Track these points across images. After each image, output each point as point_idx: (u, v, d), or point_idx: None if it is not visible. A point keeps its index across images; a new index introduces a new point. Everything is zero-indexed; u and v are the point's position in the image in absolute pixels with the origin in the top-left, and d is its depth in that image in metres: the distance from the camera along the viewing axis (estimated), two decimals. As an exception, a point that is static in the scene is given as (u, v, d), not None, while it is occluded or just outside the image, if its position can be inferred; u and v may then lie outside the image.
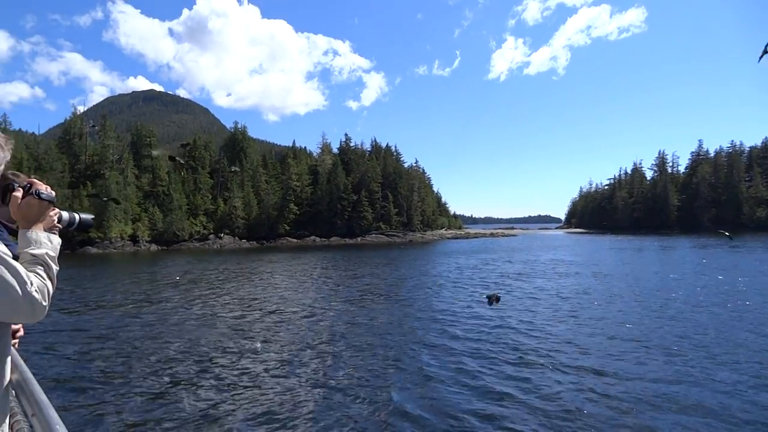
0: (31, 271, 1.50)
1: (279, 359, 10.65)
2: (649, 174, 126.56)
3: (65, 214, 1.88)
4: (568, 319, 14.61)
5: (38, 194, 1.65)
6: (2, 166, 1.65)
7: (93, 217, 2.13)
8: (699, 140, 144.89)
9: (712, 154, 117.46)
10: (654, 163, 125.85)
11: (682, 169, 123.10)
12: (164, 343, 12.16)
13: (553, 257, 40.80)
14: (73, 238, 48.17)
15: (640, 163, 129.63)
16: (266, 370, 9.85)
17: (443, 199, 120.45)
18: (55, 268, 1.62)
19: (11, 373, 1.78)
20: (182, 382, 9.12)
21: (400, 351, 11.27)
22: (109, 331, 13.64)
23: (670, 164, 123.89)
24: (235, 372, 9.71)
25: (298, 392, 8.60)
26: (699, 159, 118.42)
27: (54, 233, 1.72)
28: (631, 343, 11.61)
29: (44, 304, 1.47)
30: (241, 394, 8.51)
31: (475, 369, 9.71)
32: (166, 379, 9.35)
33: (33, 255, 1.57)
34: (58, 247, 1.71)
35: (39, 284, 1.48)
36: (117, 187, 59.25)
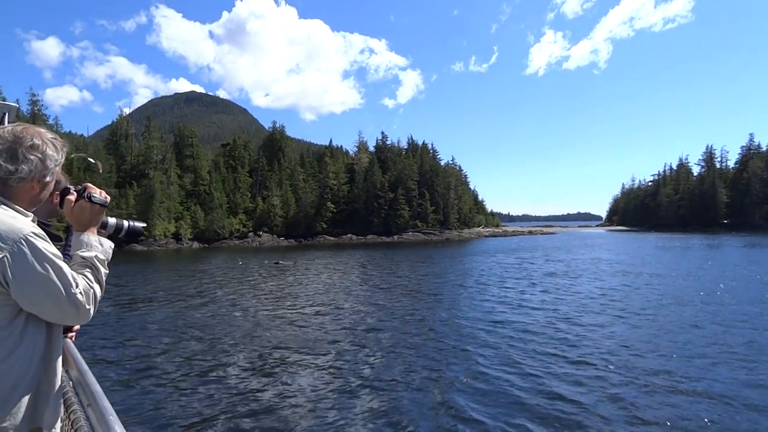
0: (79, 274, 1.53)
1: (305, 356, 10.61)
2: (696, 170, 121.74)
3: (111, 220, 1.88)
4: (617, 322, 14.06)
5: (90, 198, 1.68)
6: (58, 169, 1.66)
7: (144, 225, 2.10)
8: (750, 133, 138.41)
9: (764, 148, 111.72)
10: (701, 158, 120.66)
11: (731, 164, 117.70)
12: (210, 338, 12.31)
13: (597, 256, 39.56)
14: (122, 244, 49.91)
15: (687, 159, 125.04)
16: (292, 364, 9.87)
17: (480, 197, 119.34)
18: (104, 271, 1.64)
19: (70, 366, 1.89)
20: (227, 378, 9.18)
21: (445, 349, 11.07)
22: (157, 326, 13.95)
23: (719, 159, 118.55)
24: (262, 366, 9.73)
25: (313, 389, 8.55)
26: (750, 153, 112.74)
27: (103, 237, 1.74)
28: (685, 347, 11.05)
29: (87, 307, 1.50)
30: (282, 387, 8.51)
31: (522, 369, 9.42)
32: (211, 374, 9.43)
33: (83, 257, 1.60)
34: (110, 251, 1.73)
35: (85, 287, 1.50)
36: (161, 187, 61.10)
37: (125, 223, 1.95)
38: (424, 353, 10.89)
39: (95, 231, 1.71)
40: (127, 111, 77.59)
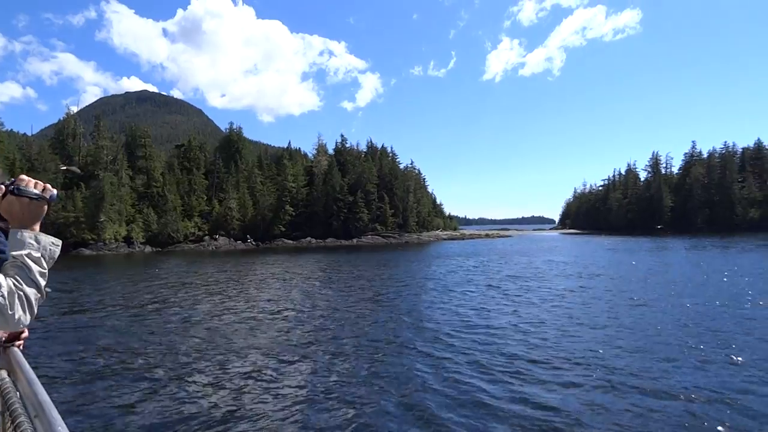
0: (6, 275, 1.41)
1: (268, 363, 10.48)
2: (643, 175, 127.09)
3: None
4: (575, 323, 14.50)
5: (16, 191, 1.51)
6: None
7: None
8: (692, 141, 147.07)
9: (705, 156, 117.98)
10: (648, 164, 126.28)
11: (675, 170, 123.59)
12: (164, 346, 11.93)
13: (553, 259, 40.75)
14: (69, 248, 47.69)
15: (634, 164, 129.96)
16: (255, 372, 9.76)
17: (438, 201, 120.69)
18: (38, 269, 1.48)
19: (17, 376, 1.82)
20: (181, 387, 8.93)
21: (391, 356, 11.11)
22: (109, 334, 13.42)
23: (664, 165, 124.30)
24: (223, 375, 9.53)
25: (280, 396, 8.49)
26: (692, 160, 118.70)
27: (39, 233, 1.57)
28: (629, 342, 11.51)
29: (11, 312, 1.36)
30: (227, 396, 8.40)
31: (465, 376, 9.57)
32: (164, 384, 9.17)
33: (13, 257, 1.47)
34: (50, 247, 1.56)
35: (9, 288, 1.37)
36: (111, 188, 58.73)
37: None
38: (386, 358, 10.93)
39: (35, 227, 1.55)
40: (74, 109, 74.05)
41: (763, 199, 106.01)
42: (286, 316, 16.08)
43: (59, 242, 1.61)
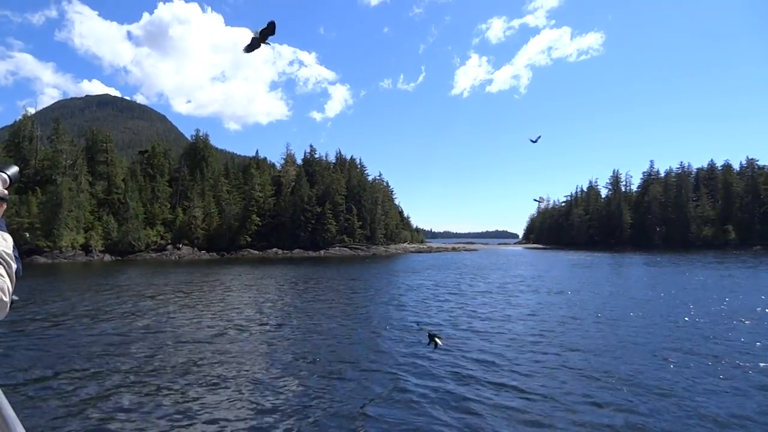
0: None
1: (227, 376, 10.16)
2: (603, 192, 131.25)
3: None
4: (546, 339, 14.62)
5: None
6: None
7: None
8: (650, 161, 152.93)
9: (662, 175, 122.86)
10: (608, 181, 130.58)
11: (634, 188, 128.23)
12: (126, 359, 11.40)
13: (521, 273, 41.41)
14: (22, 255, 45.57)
15: (596, 182, 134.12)
16: (215, 386, 9.47)
17: (405, 213, 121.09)
18: (14, 265, 1.56)
19: None
20: (145, 400, 8.53)
21: (349, 368, 10.92)
22: (68, 346, 12.77)
23: (624, 183, 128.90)
24: (183, 388, 9.14)
25: (241, 407, 8.28)
26: (650, 179, 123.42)
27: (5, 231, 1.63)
28: (612, 354, 11.68)
29: (5, 299, 1.46)
30: (187, 410, 8.08)
31: (418, 391, 9.49)
32: (126, 396, 8.78)
33: None
34: (12, 246, 1.62)
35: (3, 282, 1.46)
36: (70, 194, 56.52)
37: None
38: (350, 374, 10.70)
39: None
40: (31, 111, 71.05)
41: (716, 218, 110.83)
42: (246, 328, 15.66)
43: (10, 238, 1.64)
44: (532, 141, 21.61)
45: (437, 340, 10.47)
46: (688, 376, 10.44)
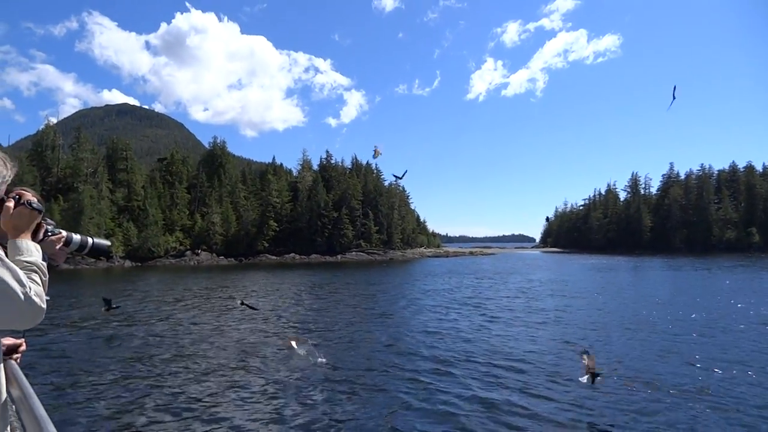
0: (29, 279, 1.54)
1: (250, 382, 10.04)
2: (622, 195, 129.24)
3: (76, 237, 1.88)
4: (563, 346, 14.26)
5: (29, 204, 1.68)
6: (4, 186, 1.67)
7: (109, 244, 2.06)
8: (670, 163, 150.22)
9: (683, 177, 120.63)
10: (627, 184, 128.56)
11: (654, 191, 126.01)
12: (154, 361, 11.34)
13: (543, 277, 40.84)
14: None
15: (614, 185, 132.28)
16: (238, 391, 9.45)
17: (422, 218, 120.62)
18: (47, 275, 1.63)
19: (14, 389, 1.82)
20: (174, 402, 8.44)
21: (380, 378, 10.68)
22: (98, 348, 12.86)
23: (643, 186, 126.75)
24: (207, 394, 9.03)
25: (264, 414, 8.16)
26: (670, 181, 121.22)
27: (43, 247, 1.72)
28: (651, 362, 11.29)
29: (43, 307, 1.50)
30: (206, 414, 8.09)
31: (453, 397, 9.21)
32: (157, 398, 8.78)
33: (27, 262, 1.58)
34: (42, 255, 1.70)
35: (37, 289, 1.50)
36: (91, 201, 57.38)
37: (90, 240, 1.92)
38: (378, 383, 10.46)
39: (30, 237, 1.67)
40: (53, 121, 72.47)
41: (739, 220, 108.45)
42: (267, 334, 15.51)
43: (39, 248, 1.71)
44: (396, 177, 21.88)
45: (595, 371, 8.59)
46: (736, 384, 10.03)
